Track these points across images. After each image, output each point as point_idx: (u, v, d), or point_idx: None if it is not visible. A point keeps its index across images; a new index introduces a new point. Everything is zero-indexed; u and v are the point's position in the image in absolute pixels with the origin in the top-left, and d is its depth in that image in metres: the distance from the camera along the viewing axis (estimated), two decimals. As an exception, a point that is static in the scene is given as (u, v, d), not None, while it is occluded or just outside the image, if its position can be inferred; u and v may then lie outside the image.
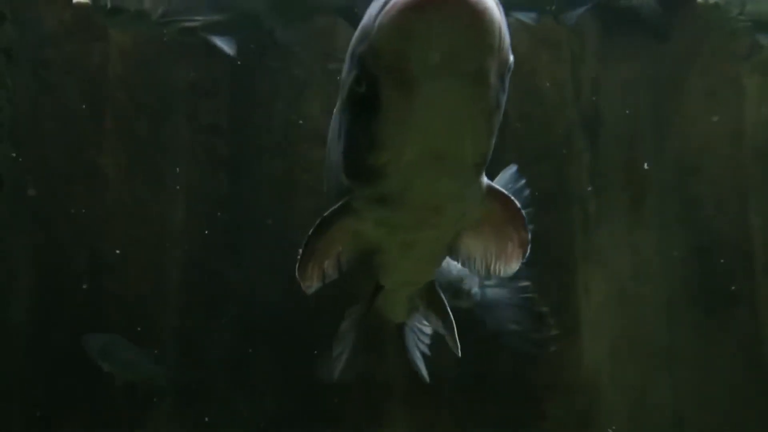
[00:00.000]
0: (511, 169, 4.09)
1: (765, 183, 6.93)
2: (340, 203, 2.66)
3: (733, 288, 6.98)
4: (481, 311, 5.28)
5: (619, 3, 6.94)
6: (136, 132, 6.94)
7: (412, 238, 2.78)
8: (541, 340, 5.19)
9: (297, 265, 2.67)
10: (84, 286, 6.64)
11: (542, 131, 7.03)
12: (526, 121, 6.97)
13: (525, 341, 5.10)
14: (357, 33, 2.40)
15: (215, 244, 6.94)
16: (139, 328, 6.75)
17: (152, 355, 6.52)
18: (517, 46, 3.18)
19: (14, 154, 6.17)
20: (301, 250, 2.66)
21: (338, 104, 2.67)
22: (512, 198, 2.78)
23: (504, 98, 2.40)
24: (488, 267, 2.87)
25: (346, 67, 2.48)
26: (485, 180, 2.70)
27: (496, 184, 2.79)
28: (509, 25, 2.33)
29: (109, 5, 5.75)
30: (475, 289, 5.24)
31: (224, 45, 6.00)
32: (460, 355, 3.21)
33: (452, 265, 4.47)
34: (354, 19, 6.39)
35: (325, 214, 2.67)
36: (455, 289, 5.04)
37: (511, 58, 2.37)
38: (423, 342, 4.17)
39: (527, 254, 2.84)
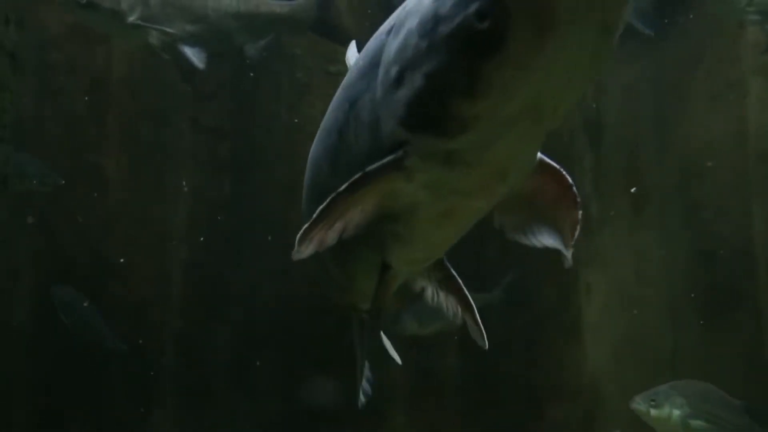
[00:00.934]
0: None
1: None
2: (391, 158, 2.36)
3: (735, 291, 6.98)
4: None
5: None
6: (139, 134, 6.95)
7: (458, 206, 2.53)
8: None
9: (309, 223, 2.39)
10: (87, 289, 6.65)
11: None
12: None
13: None
14: None
15: (217, 246, 6.94)
16: (140, 329, 6.75)
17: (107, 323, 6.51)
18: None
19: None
20: (324, 205, 2.38)
21: (394, 54, 2.38)
22: (564, 173, 2.63)
23: None
24: (537, 241, 2.72)
25: (448, 2, 2.22)
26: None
27: None
28: None
29: (83, 0, 5.75)
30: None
31: (194, 57, 6.01)
32: (486, 345, 2.97)
33: None
34: (323, 30, 6.44)
35: (370, 169, 2.37)
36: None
37: None
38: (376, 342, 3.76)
39: (577, 234, 2.70)
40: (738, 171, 7.01)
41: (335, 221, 2.40)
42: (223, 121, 6.96)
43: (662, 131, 7.23)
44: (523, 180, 2.54)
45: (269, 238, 6.87)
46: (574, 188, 2.65)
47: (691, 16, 7.09)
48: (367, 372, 3.74)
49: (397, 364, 4.13)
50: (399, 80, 2.32)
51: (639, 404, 5.00)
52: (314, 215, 2.39)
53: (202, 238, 6.91)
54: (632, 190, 7.06)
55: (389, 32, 2.44)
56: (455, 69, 2.18)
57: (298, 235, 2.43)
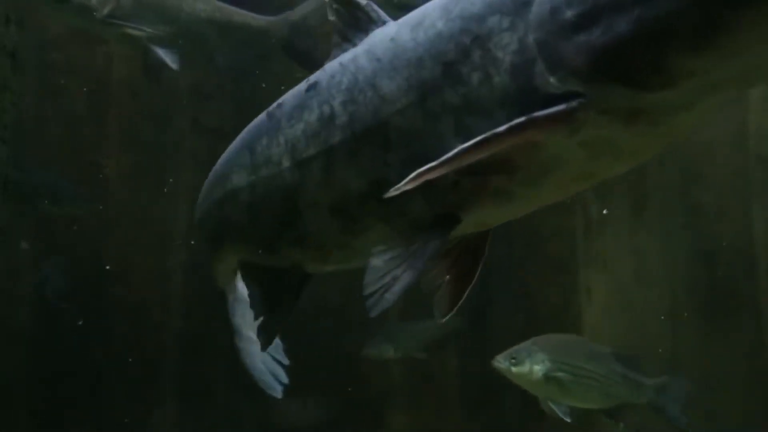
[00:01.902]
0: None
1: (768, 188, 6.93)
2: (562, 107, 2.09)
3: (735, 292, 6.98)
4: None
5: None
6: (140, 135, 6.95)
7: (601, 170, 2.28)
8: None
9: (445, 159, 2.14)
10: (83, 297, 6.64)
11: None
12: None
13: None
14: None
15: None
16: (140, 330, 6.75)
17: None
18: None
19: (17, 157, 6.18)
20: (472, 143, 2.12)
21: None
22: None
23: None
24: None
25: None
26: None
27: None
28: None
29: None
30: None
31: (167, 58, 6.00)
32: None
33: None
34: (292, 52, 6.43)
35: (537, 115, 2.09)
36: None
37: None
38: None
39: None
40: (738, 172, 7.01)
41: (467, 161, 2.15)
42: (223, 121, 6.96)
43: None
44: None
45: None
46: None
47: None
48: (278, 349, 3.76)
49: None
50: (578, 24, 2.04)
51: (500, 362, 4.94)
52: (455, 152, 2.15)
53: (202, 239, 6.91)
54: (604, 212, 7.07)
55: None
56: (687, 15, 1.85)
57: (421, 170, 2.19)
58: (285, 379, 3.70)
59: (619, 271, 7.14)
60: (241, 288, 3.52)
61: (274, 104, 2.93)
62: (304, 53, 6.35)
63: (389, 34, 2.56)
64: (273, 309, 3.11)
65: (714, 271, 7.03)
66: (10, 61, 5.62)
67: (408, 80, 2.42)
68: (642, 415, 5.51)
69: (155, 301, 6.89)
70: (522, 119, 2.10)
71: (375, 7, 2.79)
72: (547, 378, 5.02)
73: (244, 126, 3.27)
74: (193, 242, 6.76)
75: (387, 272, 2.36)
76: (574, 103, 2.08)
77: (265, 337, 3.09)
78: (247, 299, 3.18)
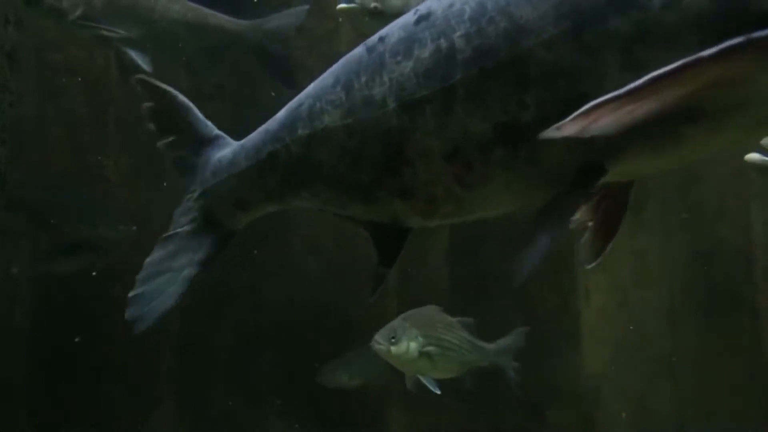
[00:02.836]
0: None
1: (767, 189, 6.93)
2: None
3: (734, 293, 6.98)
4: None
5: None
6: (139, 136, 6.95)
7: None
8: None
9: (626, 90, 1.75)
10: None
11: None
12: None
13: None
14: None
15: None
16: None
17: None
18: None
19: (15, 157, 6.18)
20: (664, 70, 1.72)
21: None
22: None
23: None
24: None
25: None
26: None
27: None
28: None
29: None
30: None
31: (140, 60, 5.98)
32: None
33: None
34: (265, 58, 6.41)
35: (760, 35, 1.69)
36: None
37: None
38: None
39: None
40: (737, 173, 7.01)
41: (655, 97, 1.76)
42: (223, 121, 6.95)
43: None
44: None
45: (271, 237, 6.86)
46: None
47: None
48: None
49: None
50: None
51: (381, 344, 4.86)
52: (641, 82, 1.75)
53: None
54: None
55: None
56: None
57: (594, 102, 1.81)
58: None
59: (618, 272, 7.13)
60: None
61: (375, 37, 2.53)
62: (275, 61, 6.32)
63: None
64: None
65: (713, 272, 7.03)
66: (8, 61, 5.62)
67: (557, 7, 2.04)
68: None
69: (154, 301, 6.89)
70: (740, 39, 1.68)
71: None
72: (420, 354, 5.01)
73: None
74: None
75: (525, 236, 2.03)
76: None
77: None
78: None
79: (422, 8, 2.38)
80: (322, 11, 6.62)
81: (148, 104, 2.83)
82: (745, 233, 6.99)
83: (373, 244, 2.70)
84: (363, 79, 2.50)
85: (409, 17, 2.41)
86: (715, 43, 1.70)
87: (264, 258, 6.92)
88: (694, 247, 7.08)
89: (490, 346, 5.52)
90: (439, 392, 5.14)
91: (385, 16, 5.42)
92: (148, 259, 2.47)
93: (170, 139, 3.17)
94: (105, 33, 5.93)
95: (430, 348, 4.99)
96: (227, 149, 3.20)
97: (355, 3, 5.29)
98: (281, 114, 2.91)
